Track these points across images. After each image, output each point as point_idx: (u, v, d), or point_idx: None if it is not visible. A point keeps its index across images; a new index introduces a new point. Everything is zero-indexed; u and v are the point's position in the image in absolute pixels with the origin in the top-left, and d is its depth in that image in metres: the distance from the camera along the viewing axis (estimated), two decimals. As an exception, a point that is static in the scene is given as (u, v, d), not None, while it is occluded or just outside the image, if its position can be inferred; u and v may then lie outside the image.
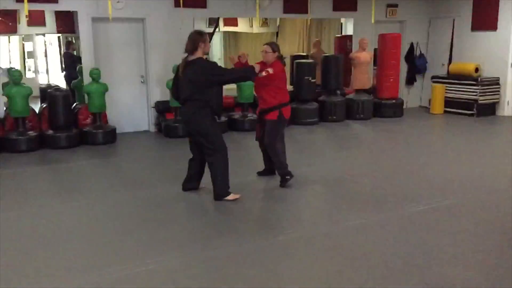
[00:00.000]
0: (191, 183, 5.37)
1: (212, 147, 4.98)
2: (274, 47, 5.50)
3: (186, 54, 4.96)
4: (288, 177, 5.56)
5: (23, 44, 12.19)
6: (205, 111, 4.93)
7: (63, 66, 10.46)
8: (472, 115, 10.14)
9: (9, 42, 12.19)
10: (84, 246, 4.07)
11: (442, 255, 3.81)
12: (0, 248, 3.97)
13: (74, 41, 10.51)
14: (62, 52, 11.01)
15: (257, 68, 5.13)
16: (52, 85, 9.51)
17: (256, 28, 12.26)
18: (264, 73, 5.23)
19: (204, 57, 5.02)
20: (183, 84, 4.95)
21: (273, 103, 5.41)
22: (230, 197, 5.06)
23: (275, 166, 5.66)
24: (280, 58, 5.53)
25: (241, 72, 5.23)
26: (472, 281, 3.43)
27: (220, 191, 5.05)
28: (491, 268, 3.62)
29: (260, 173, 5.93)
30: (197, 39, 4.88)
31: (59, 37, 11.62)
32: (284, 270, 3.64)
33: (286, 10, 9.84)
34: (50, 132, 7.74)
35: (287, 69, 11.32)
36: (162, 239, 4.17)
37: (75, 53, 10.39)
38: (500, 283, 3.41)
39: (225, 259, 3.81)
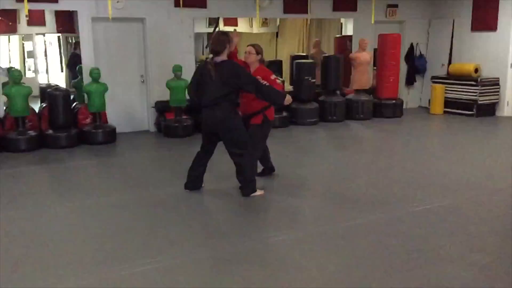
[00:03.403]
0: (196, 183, 5.40)
1: (242, 146, 5.04)
2: (258, 49, 5.46)
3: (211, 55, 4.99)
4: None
5: (23, 44, 12.17)
6: (236, 112, 5.12)
7: (69, 66, 10.37)
8: (471, 115, 10.15)
9: (9, 41, 12.18)
10: (83, 246, 4.07)
11: (442, 255, 3.81)
12: (0, 248, 3.97)
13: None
14: (69, 53, 10.95)
15: (288, 99, 5.13)
16: (52, 84, 9.50)
17: (256, 28, 12.25)
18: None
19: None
20: (212, 85, 4.92)
21: (257, 107, 5.29)
22: (257, 193, 5.22)
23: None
24: (262, 61, 5.53)
25: (275, 93, 5.08)
26: (471, 281, 3.43)
27: (250, 190, 5.18)
28: (491, 268, 3.62)
29: (259, 174, 5.91)
30: (225, 41, 4.93)
31: (59, 37, 11.60)
32: (284, 270, 3.63)
33: (286, 10, 9.84)
34: (50, 131, 7.74)
35: (287, 69, 11.44)
36: (162, 239, 4.17)
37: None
38: (500, 283, 3.41)
39: (225, 259, 3.81)
